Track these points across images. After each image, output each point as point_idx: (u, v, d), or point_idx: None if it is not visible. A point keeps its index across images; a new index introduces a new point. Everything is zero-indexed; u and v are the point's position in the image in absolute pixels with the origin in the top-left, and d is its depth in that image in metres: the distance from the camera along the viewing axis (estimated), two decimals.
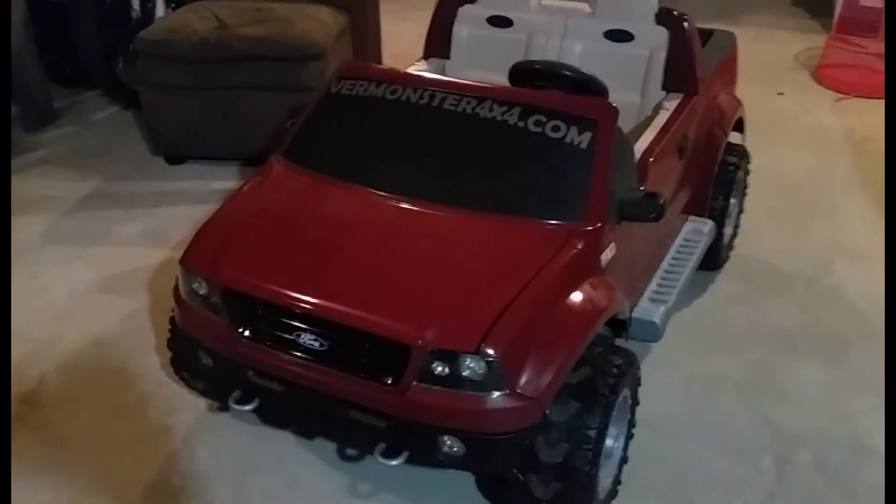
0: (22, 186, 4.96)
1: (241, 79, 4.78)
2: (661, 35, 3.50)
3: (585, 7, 3.82)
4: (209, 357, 2.78)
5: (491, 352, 2.35)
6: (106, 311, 3.89)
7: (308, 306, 2.50)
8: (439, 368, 2.39)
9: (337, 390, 2.53)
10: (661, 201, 2.77)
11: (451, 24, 3.88)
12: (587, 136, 2.79)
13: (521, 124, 2.84)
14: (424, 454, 2.54)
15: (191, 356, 2.87)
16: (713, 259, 3.94)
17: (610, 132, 2.82)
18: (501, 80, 3.51)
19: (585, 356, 2.58)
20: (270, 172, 3.04)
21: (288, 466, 3.04)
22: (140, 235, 4.51)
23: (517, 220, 2.71)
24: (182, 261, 2.74)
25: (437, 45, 3.92)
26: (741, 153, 3.99)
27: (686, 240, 3.61)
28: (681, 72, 3.49)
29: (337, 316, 2.46)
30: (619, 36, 3.60)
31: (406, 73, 3.14)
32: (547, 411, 2.47)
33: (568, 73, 3.10)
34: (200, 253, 2.74)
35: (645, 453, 3.05)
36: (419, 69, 3.83)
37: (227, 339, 2.67)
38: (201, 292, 2.71)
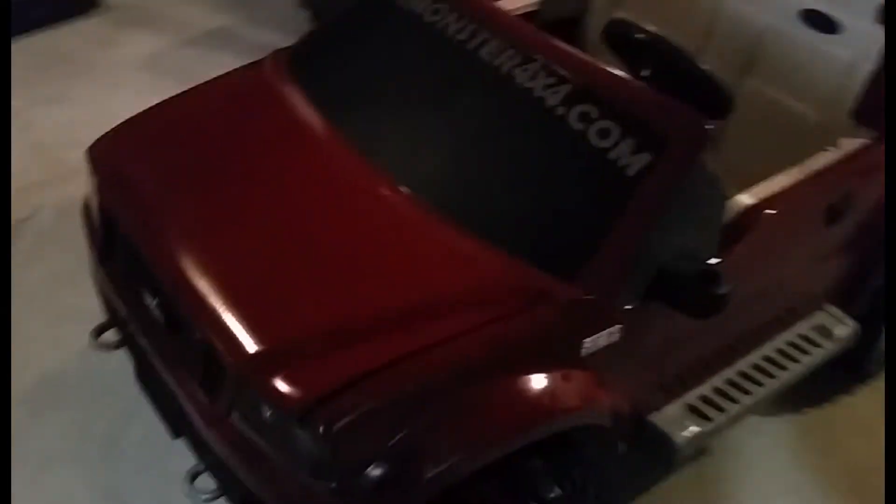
0: (162, 2, 4.65)
1: None
2: (876, 40, 2.32)
3: None
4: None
5: (321, 427, 1.60)
6: None
7: (150, 256, 1.88)
8: (268, 414, 1.69)
9: (169, 374, 1.91)
10: (721, 292, 1.79)
11: None
12: (643, 158, 1.85)
13: (560, 111, 1.93)
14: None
15: None
16: (856, 366, 2.78)
17: (682, 162, 1.85)
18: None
19: (500, 468, 1.77)
20: (255, 68, 2.36)
21: None
22: None
23: (487, 245, 1.85)
24: (90, 147, 2.18)
25: None
26: None
27: (802, 336, 2.49)
28: (882, 103, 2.31)
29: (173, 285, 1.81)
30: (820, 22, 2.45)
31: None
32: None
33: (673, 59, 2.08)
34: (107, 143, 2.16)
35: None
36: None
37: (97, 257, 2.12)
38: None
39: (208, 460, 1.88)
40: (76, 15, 4.37)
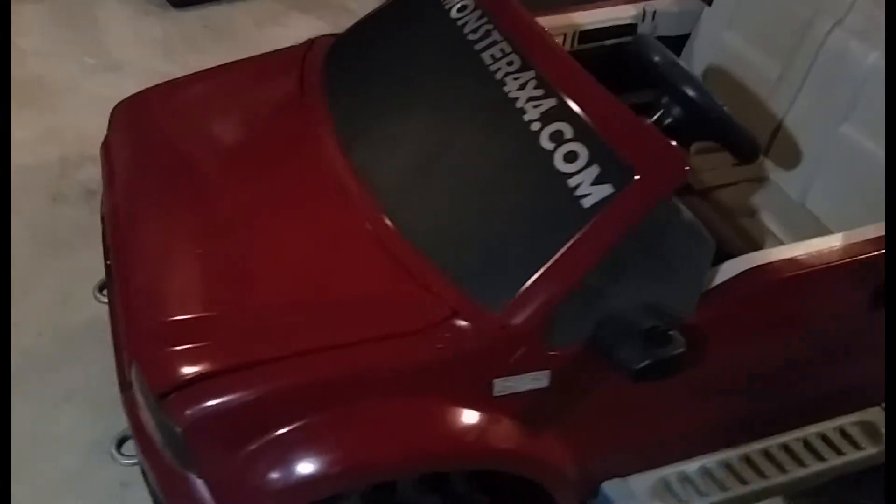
0: None
1: None
2: None
3: None
4: None
5: (177, 412, 1.56)
6: None
7: (108, 215, 1.94)
8: (145, 389, 1.68)
9: (113, 334, 1.98)
10: (674, 353, 1.56)
11: None
12: (605, 189, 1.63)
13: (534, 127, 1.75)
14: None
15: None
16: None
17: (644, 197, 1.62)
18: (770, 64, 2.41)
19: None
20: (300, 50, 2.34)
21: None
22: None
23: (422, 257, 1.72)
24: (116, 105, 2.28)
25: None
26: None
27: (840, 430, 2.08)
28: None
29: (112, 247, 1.87)
30: None
31: None
32: None
33: (686, 89, 1.81)
34: (129, 103, 2.25)
35: None
36: (653, 5, 2.61)
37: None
38: None
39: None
40: None
